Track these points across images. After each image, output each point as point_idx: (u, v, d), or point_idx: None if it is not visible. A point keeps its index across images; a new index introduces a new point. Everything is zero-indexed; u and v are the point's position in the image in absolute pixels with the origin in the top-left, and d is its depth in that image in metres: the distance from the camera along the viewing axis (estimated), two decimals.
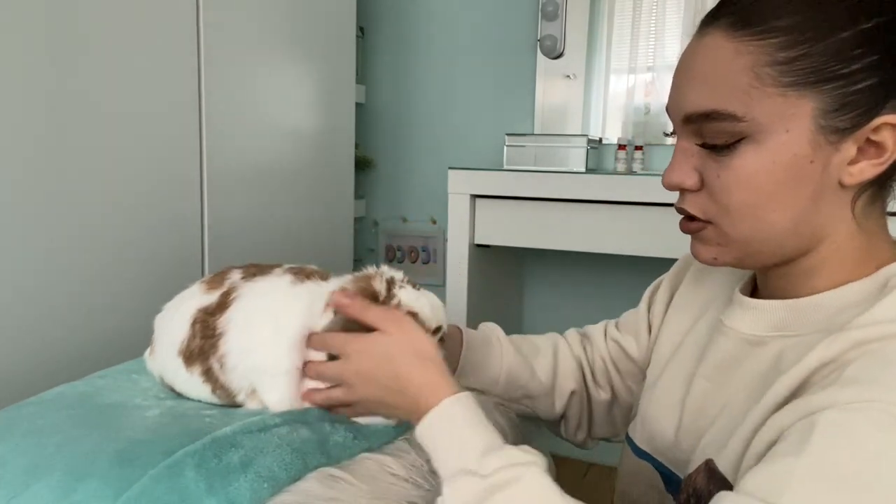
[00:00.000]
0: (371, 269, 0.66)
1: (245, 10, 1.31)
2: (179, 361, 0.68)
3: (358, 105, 1.83)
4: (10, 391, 0.91)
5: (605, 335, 0.82)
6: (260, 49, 1.37)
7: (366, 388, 0.61)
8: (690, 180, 0.56)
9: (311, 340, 0.65)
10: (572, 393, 0.80)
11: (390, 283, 0.65)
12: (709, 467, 0.56)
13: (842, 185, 0.52)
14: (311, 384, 0.66)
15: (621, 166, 1.67)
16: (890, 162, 0.51)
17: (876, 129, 0.50)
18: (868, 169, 0.51)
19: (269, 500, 0.52)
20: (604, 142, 1.75)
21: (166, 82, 1.14)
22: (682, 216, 0.59)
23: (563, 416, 0.82)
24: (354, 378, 0.61)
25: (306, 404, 0.65)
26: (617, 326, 0.82)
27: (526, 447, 0.55)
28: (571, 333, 0.86)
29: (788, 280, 0.57)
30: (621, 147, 1.66)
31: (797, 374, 0.51)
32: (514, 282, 1.92)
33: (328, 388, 0.65)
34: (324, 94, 1.59)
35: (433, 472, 0.60)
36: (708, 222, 0.56)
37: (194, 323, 0.69)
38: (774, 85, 0.50)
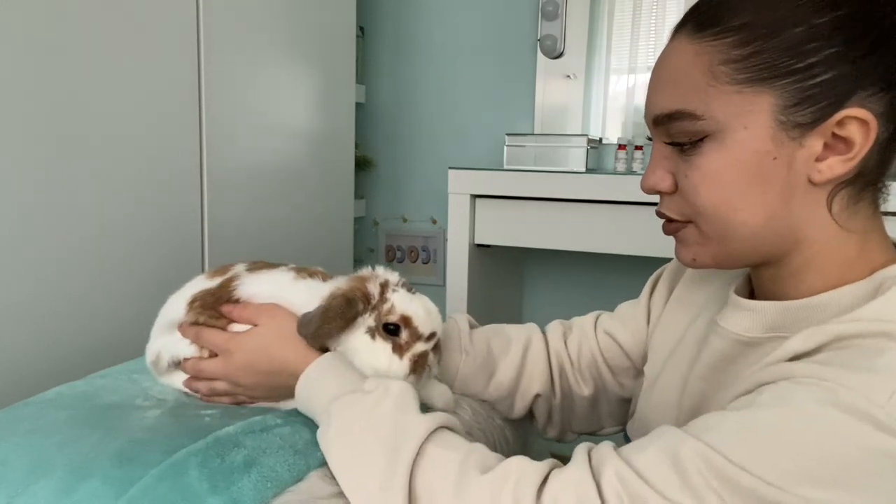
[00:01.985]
0: (366, 271, 0.66)
1: (245, 10, 1.30)
2: (178, 334, 0.70)
3: (358, 105, 1.83)
4: (10, 391, 0.91)
5: (597, 327, 0.80)
6: (260, 49, 1.36)
7: (248, 378, 0.66)
8: (664, 183, 0.57)
9: (189, 334, 0.69)
10: (537, 396, 0.79)
11: (384, 285, 0.64)
12: None
13: (812, 183, 0.51)
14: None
15: (621, 166, 1.67)
16: (860, 157, 0.50)
17: (840, 124, 0.49)
18: (837, 165, 0.50)
19: (273, 499, 0.52)
20: (604, 142, 1.75)
21: (166, 82, 1.14)
22: (663, 220, 0.60)
23: (531, 415, 0.81)
24: (237, 372, 0.66)
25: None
26: (611, 318, 0.80)
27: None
28: (554, 327, 0.83)
29: (778, 282, 0.57)
30: (621, 147, 1.66)
31: (772, 359, 0.51)
32: (514, 282, 1.92)
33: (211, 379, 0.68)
34: (324, 94, 1.59)
35: None
36: (687, 222, 0.57)
37: (193, 301, 0.70)
38: (730, 82, 0.51)
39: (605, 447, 0.51)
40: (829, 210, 0.53)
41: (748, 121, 0.51)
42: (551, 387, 0.79)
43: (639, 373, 0.76)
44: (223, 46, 1.25)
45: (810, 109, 0.49)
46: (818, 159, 0.51)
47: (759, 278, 0.60)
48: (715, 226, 0.55)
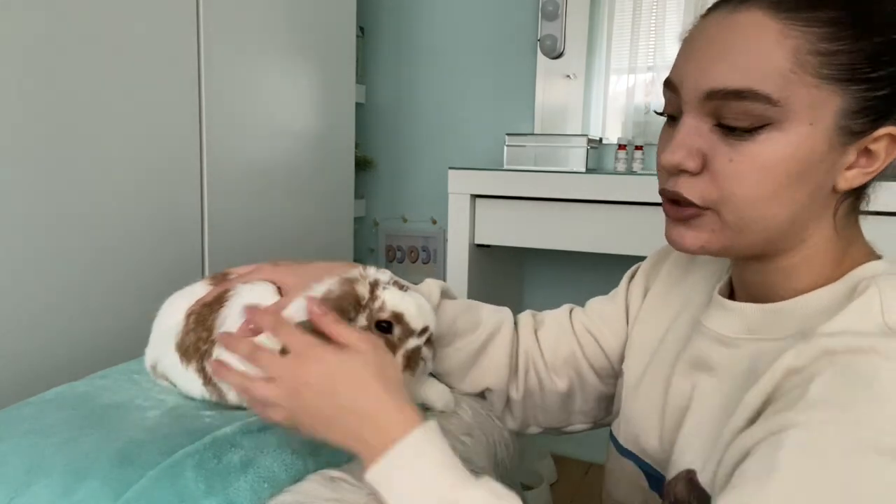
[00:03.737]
0: (357, 271, 0.65)
1: (245, 10, 1.30)
2: (176, 357, 0.69)
3: (358, 105, 1.83)
4: (10, 391, 0.91)
5: (573, 322, 0.79)
6: (260, 49, 1.37)
7: (313, 400, 0.52)
8: (693, 162, 0.53)
9: (269, 322, 0.57)
10: (487, 389, 0.77)
11: (374, 285, 0.64)
12: (689, 478, 0.56)
13: (834, 190, 0.53)
14: (228, 357, 0.59)
15: (621, 166, 1.67)
16: (876, 172, 0.52)
17: (877, 139, 0.51)
18: (859, 177, 0.52)
19: (269, 500, 0.52)
20: (604, 142, 1.75)
21: (166, 82, 1.14)
22: (668, 200, 0.56)
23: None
24: (299, 384, 0.53)
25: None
26: (587, 315, 0.79)
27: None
28: (525, 320, 0.81)
29: (765, 279, 0.57)
30: (621, 147, 1.66)
31: (767, 384, 0.50)
32: (514, 282, 1.92)
33: (252, 376, 0.56)
34: (324, 94, 1.59)
35: None
36: (705, 209, 0.54)
37: (189, 315, 0.69)
38: (813, 75, 0.49)
39: None
40: (835, 216, 0.54)
41: (816, 117, 0.49)
42: (510, 382, 0.78)
43: (617, 371, 0.76)
44: (223, 46, 1.25)
45: (864, 120, 0.50)
46: (847, 168, 0.52)
47: (744, 275, 0.60)
48: (740, 216, 0.52)
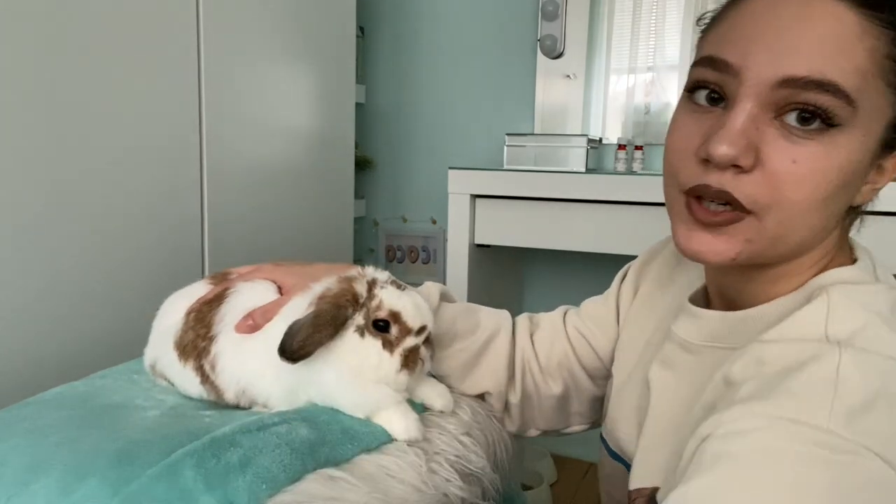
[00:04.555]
0: (354, 270, 0.66)
1: (245, 10, 1.30)
2: (175, 355, 0.69)
3: (358, 105, 1.83)
4: (9, 391, 0.91)
5: (566, 324, 0.79)
6: (260, 49, 1.37)
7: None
8: (748, 158, 0.46)
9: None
10: (486, 393, 0.77)
11: (371, 284, 0.64)
12: (652, 497, 0.56)
13: (851, 204, 0.50)
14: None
15: (621, 166, 1.66)
16: (880, 189, 0.50)
17: (892, 156, 0.49)
18: (869, 192, 0.50)
19: (268, 500, 0.52)
20: (604, 142, 1.75)
21: (166, 82, 1.14)
22: (698, 197, 0.49)
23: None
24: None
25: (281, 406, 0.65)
26: (580, 317, 0.79)
27: None
28: (522, 323, 0.81)
29: (749, 286, 0.54)
30: (621, 147, 1.66)
31: (709, 395, 0.49)
32: (513, 282, 1.92)
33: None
34: (324, 94, 1.59)
35: (431, 473, 0.60)
36: (747, 212, 0.47)
37: (188, 313, 0.69)
38: (885, 81, 0.45)
39: None
40: (841, 228, 0.52)
41: (872, 127, 0.46)
42: (508, 386, 0.78)
43: (609, 374, 0.76)
44: (223, 47, 1.25)
45: (894, 136, 0.48)
46: (865, 183, 0.49)
47: (725, 281, 0.57)
48: (786, 224, 0.47)
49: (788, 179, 0.45)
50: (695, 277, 0.67)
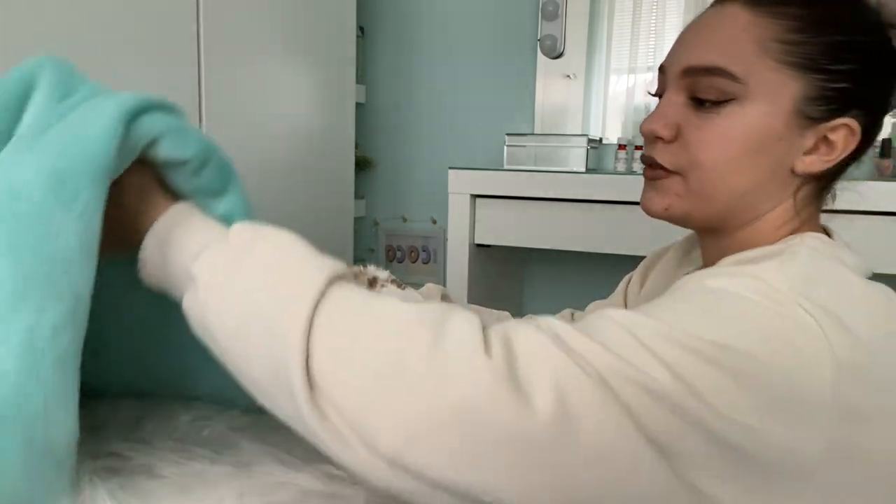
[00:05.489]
0: (356, 268, 0.66)
1: (245, 10, 1.31)
2: None
3: (358, 105, 1.83)
4: None
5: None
6: (260, 49, 1.37)
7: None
8: (667, 130, 0.59)
9: None
10: None
11: (372, 282, 0.64)
12: None
13: (793, 172, 0.57)
14: None
15: (621, 166, 1.67)
16: (835, 161, 0.57)
17: (834, 129, 0.56)
18: (817, 163, 0.57)
19: (266, 497, 0.52)
20: (604, 142, 1.75)
21: (166, 82, 1.14)
22: (645, 164, 0.62)
23: None
24: None
25: None
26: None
27: None
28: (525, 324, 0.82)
29: (726, 252, 0.59)
30: (621, 147, 1.67)
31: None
32: (514, 282, 1.92)
33: None
34: (324, 94, 1.59)
35: None
36: (674, 173, 0.59)
37: None
38: (775, 60, 0.55)
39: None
40: (794, 197, 0.59)
41: (775, 98, 0.55)
42: None
43: None
44: (223, 46, 1.25)
45: (822, 108, 0.55)
46: (806, 153, 0.57)
47: (706, 254, 0.64)
48: (705, 182, 0.58)
49: (697, 144, 0.58)
50: (695, 270, 0.68)
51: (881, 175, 1.43)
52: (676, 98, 0.59)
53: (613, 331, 0.46)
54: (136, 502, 0.51)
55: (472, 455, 0.42)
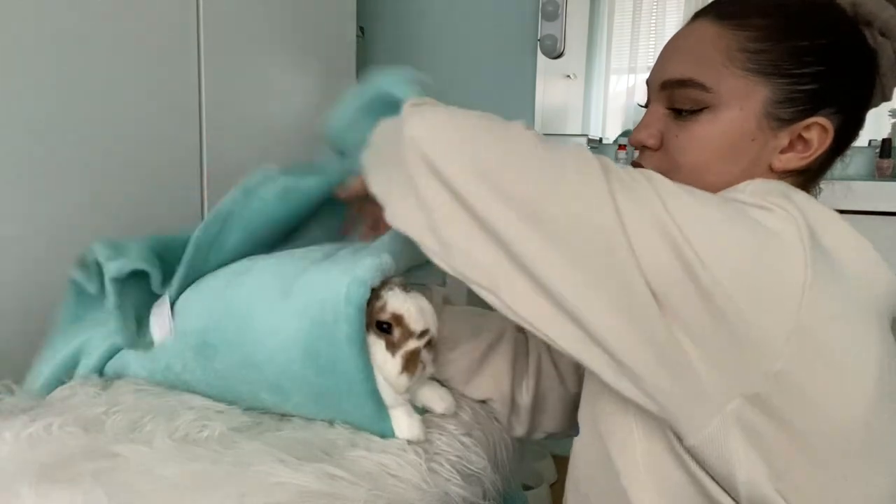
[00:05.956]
0: None
1: (245, 9, 1.30)
2: None
3: None
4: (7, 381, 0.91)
5: None
6: (260, 49, 1.37)
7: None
8: (652, 140, 0.64)
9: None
10: (489, 399, 0.77)
11: (382, 284, 0.64)
12: None
13: (771, 169, 0.61)
14: None
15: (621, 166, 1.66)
16: (812, 157, 0.60)
17: (807, 127, 0.60)
18: (794, 160, 0.61)
19: (266, 497, 0.52)
20: (604, 142, 1.75)
21: (166, 82, 1.14)
22: None
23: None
24: None
25: None
26: None
27: None
28: None
29: None
30: (621, 147, 1.67)
31: None
32: None
33: None
34: (324, 94, 1.59)
35: (432, 472, 0.60)
36: None
37: None
38: (741, 68, 0.59)
39: None
40: None
41: (744, 103, 0.60)
42: (516, 388, 0.78)
43: None
44: (223, 46, 1.25)
45: (791, 109, 0.59)
46: (782, 151, 0.61)
47: None
48: (688, 183, 0.60)
49: (676, 149, 0.63)
50: None
51: (881, 175, 1.43)
52: (659, 109, 0.64)
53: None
54: (136, 502, 0.51)
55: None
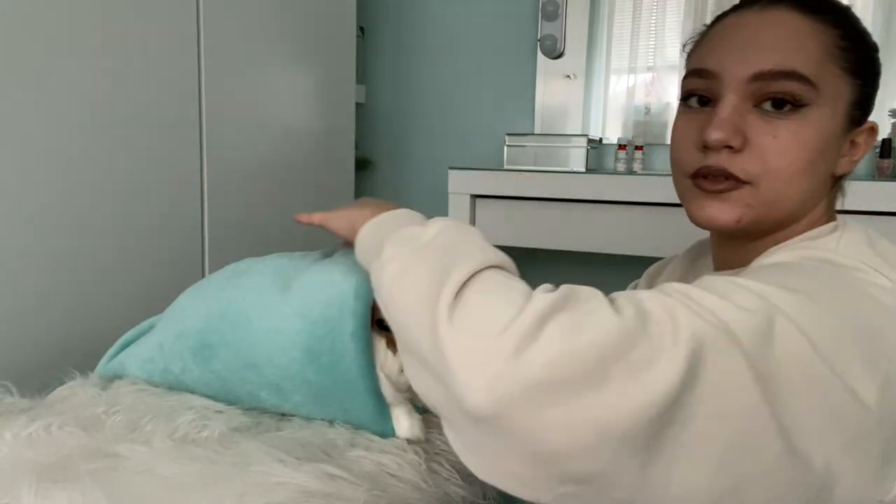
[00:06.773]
0: None
1: (245, 10, 1.31)
2: None
3: (358, 105, 1.83)
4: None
5: None
6: (260, 49, 1.37)
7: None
8: (737, 139, 0.57)
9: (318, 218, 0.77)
10: None
11: None
12: None
13: (832, 175, 0.59)
14: None
15: (621, 166, 1.66)
16: (859, 161, 0.60)
17: (861, 131, 0.59)
18: (846, 164, 0.60)
19: (266, 497, 0.52)
20: (604, 142, 1.75)
21: (166, 82, 1.14)
22: (703, 176, 0.59)
23: None
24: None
25: None
26: None
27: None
28: None
29: (750, 255, 0.60)
30: (621, 147, 1.66)
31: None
32: None
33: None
34: (324, 94, 1.59)
35: (432, 472, 0.60)
36: (745, 183, 0.57)
37: None
38: (837, 65, 0.56)
39: None
40: (827, 198, 0.60)
41: (838, 103, 0.57)
42: None
43: None
44: (223, 46, 1.25)
45: (859, 112, 0.58)
46: (842, 155, 0.59)
47: (731, 258, 0.64)
48: (775, 190, 0.57)
49: (772, 151, 0.56)
50: (707, 274, 0.68)
51: (881, 175, 1.43)
52: (741, 104, 0.57)
53: (726, 285, 0.47)
54: (136, 502, 0.51)
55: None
